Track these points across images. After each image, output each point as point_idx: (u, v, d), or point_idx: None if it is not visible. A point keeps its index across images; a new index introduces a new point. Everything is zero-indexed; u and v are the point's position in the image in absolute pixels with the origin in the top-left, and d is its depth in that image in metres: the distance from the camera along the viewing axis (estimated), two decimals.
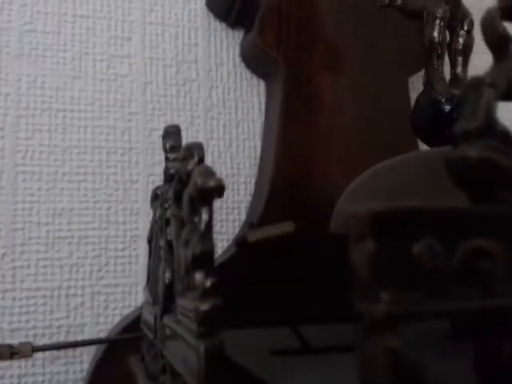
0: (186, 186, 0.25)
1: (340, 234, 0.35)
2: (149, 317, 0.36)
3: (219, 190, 0.21)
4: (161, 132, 0.56)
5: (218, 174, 0.22)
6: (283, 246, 0.38)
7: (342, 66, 0.57)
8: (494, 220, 0.15)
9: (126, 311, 0.50)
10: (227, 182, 0.56)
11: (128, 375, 0.39)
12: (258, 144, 0.59)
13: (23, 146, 0.51)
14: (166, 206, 0.30)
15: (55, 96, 0.53)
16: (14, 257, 0.49)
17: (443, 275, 0.14)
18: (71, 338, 0.49)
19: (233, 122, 0.59)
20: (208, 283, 0.21)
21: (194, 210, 0.23)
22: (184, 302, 0.23)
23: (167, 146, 0.31)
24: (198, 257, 0.21)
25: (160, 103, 0.56)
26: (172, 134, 0.32)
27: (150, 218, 0.54)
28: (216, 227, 0.53)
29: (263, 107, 0.60)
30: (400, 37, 0.60)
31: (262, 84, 0.61)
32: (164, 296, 0.29)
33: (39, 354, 0.46)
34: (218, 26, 0.61)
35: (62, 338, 0.48)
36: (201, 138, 0.56)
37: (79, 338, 0.49)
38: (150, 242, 0.39)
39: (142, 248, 0.53)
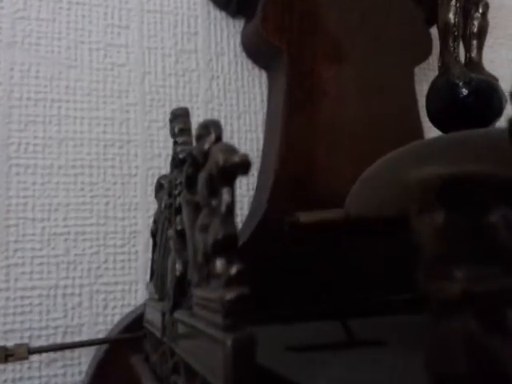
0: (200, 168, 0.23)
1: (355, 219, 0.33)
2: (154, 314, 0.34)
3: (245, 166, 0.19)
4: (160, 124, 0.55)
5: None
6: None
7: (346, 56, 0.55)
8: None
9: (126, 310, 0.48)
10: None
11: (131, 377, 0.37)
12: (261, 136, 0.57)
13: (16, 138, 0.49)
14: (176, 192, 0.28)
15: (50, 86, 0.51)
16: (7, 254, 0.47)
17: None
18: (69, 339, 0.46)
19: (234, 113, 0.57)
20: (233, 270, 0.18)
21: (212, 192, 0.21)
22: (203, 293, 0.21)
23: (176, 129, 0.29)
24: (220, 242, 0.19)
25: (159, 94, 0.54)
26: (180, 116, 0.30)
27: (150, 212, 0.52)
28: None
29: (265, 98, 0.58)
30: (404, 27, 0.59)
31: (264, 75, 0.59)
32: (174, 289, 0.27)
33: (35, 357, 0.44)
34: (218, 15, 0.59)
35: (59, 339, 0.46)
36: (194, 131, 0.54)
37: (77, 338, 0.46)
38: (154, 235, 0.37)
39: (142, 244, 0.50)
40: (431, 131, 0.58)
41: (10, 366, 0.44)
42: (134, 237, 0.50)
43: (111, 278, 0.49)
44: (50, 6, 0.52)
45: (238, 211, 0.55)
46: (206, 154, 0.22)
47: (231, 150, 0.20)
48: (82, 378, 0.45)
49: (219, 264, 0.19)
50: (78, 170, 0.50)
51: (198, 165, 0.24)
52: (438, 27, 0.41)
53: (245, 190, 0.55)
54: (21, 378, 0.45)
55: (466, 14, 0.42)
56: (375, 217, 0.27)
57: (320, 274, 0.46)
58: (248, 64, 0.59)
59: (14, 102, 0.49)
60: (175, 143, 0.29)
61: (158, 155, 0.53)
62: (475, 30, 0.42)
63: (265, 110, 0.57)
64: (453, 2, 0.40)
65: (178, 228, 0.28)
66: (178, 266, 0.27)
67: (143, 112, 0.53)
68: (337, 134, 0.53)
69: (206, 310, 0.20)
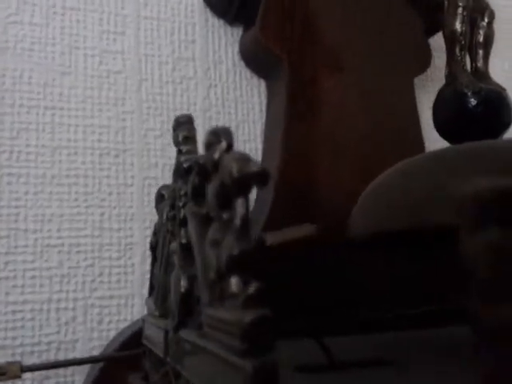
0: (209, 178, 0.22)
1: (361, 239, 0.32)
2: (154, 331, 0.32)
3: (264, 176, 0.17)
4: (157, 132, 0.53)
5: None
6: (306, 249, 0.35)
7: (346, 66, 0.54)
8: None
9: (122, 325, 0.46)
10: None
11: None
12: (259, 146, 0.56)
13: (8, 146, 0.47)
14: (180, 204, 0.27)
15: (43, 93, 0.49)
16: None
17: None
18: (62, 356, 0.44)
19: (232, 122, 0.56)
20: (251, 289, 0.17)
21: (224, 205, 0.20)
22: (216, 313, 0.19)
23: (180, 137, 0.28)
24: (235, 258, 0.18)
25: (156, 102, 0.53)
26: (185, 123, 0.28)
27: (146, 224, 0.50)
28: None
29: (264, 108, 0.57)
30: (404, 38, 0.58)
31: (263, 84, 0.58)
32: (179, 307, 0.26)
33: (28, 374, 0.42)
34: (216, 23, 0.58)
35: (52, 356, 0.44)
36: (198, 140, 0.53)
37: (71, 355, 0.45)
38: (153, 247, 0.36)
39: (139, 256, 0.49)
40: (431, 142, 0.57)
41: None
42: (131, 249, 0.49)
43: (106, 291, 0.47)
44: (44, 10, 0.51)
45: None
46: (216, 163, 0.21)
47: (246, 158, 0.19)
48: None
49: (235, 282, 0.18)
50: (72, 179, 0.48)
51: (206, 174, 0.23)
52: (444, 36, 0.40)
53: None
54: None
55: (471, 23, 0.41)
56: (389, 231, 0.26)
57: (321, 291, 0.44)
58: (246, 73, 0.58)
59: (5, 108, 0.48)
60: (179, 152, 0.28)
61: (155, 165, 0.51)
62: (481, 39, 0.41)
63: (263, 119, 0.56)
64: (459, 11, 0.39)
65: (183, 241, 0.26)
66: (183, 282, 0.25)
67: (140, 120, 0.52)
68: (337, 145, 0.52)
69: (220, 331, 0.19)
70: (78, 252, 0.47)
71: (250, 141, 0.56)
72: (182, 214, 0.27)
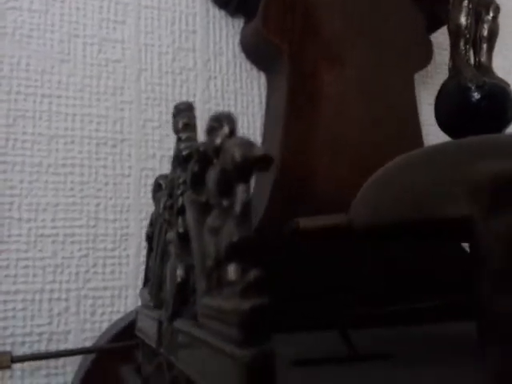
0: (209, 165, 0.21)
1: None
2: (148, 322, 0.32)
3: (267, 161, 0.17)
4: (155, 123, 0.52)
5: None
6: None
7: (347, 60, 0.54)
8: None
9: (115, 317, 0.46)
10: None
11: None
12: (259, 139, 0.55)
13: (4, 133, 0.46)
14: (178, 192, 0.26)
15: (41, 80, 0.48)
16: None
17: None
18: (54, 347, 0.44)
19: None
20: (250, 277, 0.16)
21: (225, 191, 0.19)
22: (212, 302, 0.19)
23: (179, 124, 0.27)
24: (235, 245, 0.17)
25: (155, 92, 0.52)
26: (184, 110, 0.28)
27: (142, 215, 0.50)
28: None
29: (263, 100, 0.56)
30: (405, 33, 0.58)
31: (263, 76, 0.57)
32: (175, 297, 0.25)
33: (18, 365, 0.41)
34: (217, 14, 0.57)
35: (43, 347, 0.44)
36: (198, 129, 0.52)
37: (63, 346, 0.44)
38: (149, 238, 0.35)
39: (134, 248, 0.48)
40: (429, 137, 0.57)
41: None
42: (126, 240, 0.48)
43: (100, 282, 0.47)
44: None
45: None
46: (217, 149, 0.20)
47: (249, 143, 0.18)
48: None
49: (233, 270, 0.17)
50: (68, 168, 0.48)
51: (206, 161, 0.22)
52: (448, 30, 0.39)
53: None
54: None
55: (476, 17, 0.40)
56: (390, 222, 0.25)
57: (319, 282, 0.44)
58: (247, 65, 0.57)
59: (2, 95, 0.47)
60: (179, 139, 0.27)
61: (153, 155, 0.51)
62: (485, 33, 0.41)
63: (263, 112, 0.56)
64: (465, 4, 0.39)
65: (180, 230, 0.26)
66: (179, 272, 0.25)
67: (138, 110, 0.51)
68: (337, 137, 0.52)
69: (216, 320, 0.18)
70: (73, 242, 0.46)
71: (249, 133, 0.55)
72: (179, 203, 0.26)
